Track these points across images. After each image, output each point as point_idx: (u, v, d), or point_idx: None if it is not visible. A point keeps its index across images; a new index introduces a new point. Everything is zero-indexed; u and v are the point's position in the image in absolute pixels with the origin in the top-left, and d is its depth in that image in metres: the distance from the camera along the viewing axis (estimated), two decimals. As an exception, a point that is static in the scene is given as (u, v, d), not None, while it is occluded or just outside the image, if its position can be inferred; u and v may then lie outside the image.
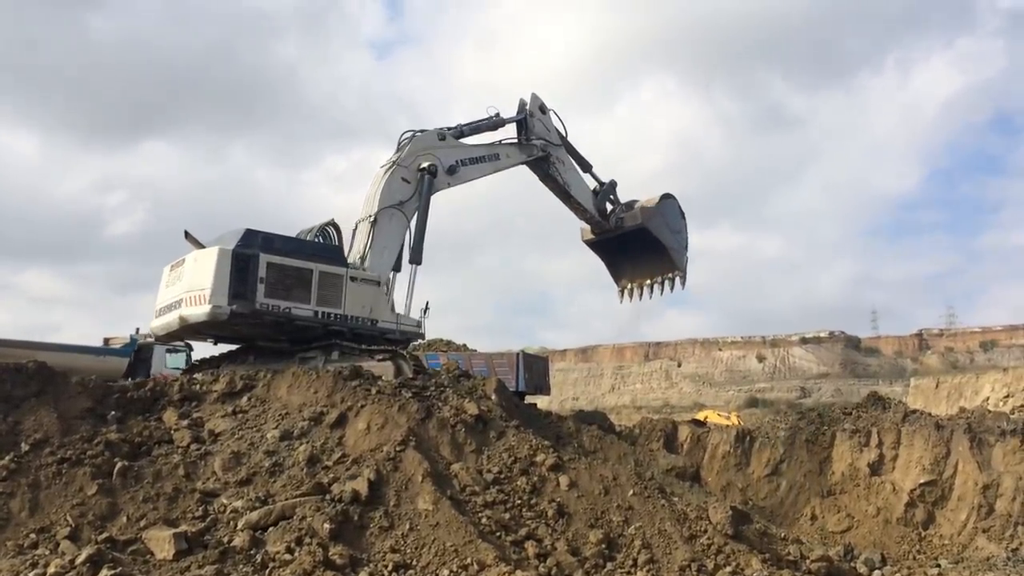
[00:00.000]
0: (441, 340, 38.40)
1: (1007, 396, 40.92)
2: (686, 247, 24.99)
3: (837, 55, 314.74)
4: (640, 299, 25.87)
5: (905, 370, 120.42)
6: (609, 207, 24.50)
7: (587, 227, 24.78)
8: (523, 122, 22.85)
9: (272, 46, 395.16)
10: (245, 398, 15.39)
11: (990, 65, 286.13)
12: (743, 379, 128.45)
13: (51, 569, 9.81)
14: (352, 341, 17.86)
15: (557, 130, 23.54)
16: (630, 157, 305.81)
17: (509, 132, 22.77)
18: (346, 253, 19.17)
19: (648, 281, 25.16)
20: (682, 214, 25.25)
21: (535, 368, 33.25)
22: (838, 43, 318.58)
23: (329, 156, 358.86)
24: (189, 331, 17.67)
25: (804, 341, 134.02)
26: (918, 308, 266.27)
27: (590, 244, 25.32)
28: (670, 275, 24.62)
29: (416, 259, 19.46)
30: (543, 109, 23.31)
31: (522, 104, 23.01)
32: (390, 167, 19.67)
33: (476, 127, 21.83)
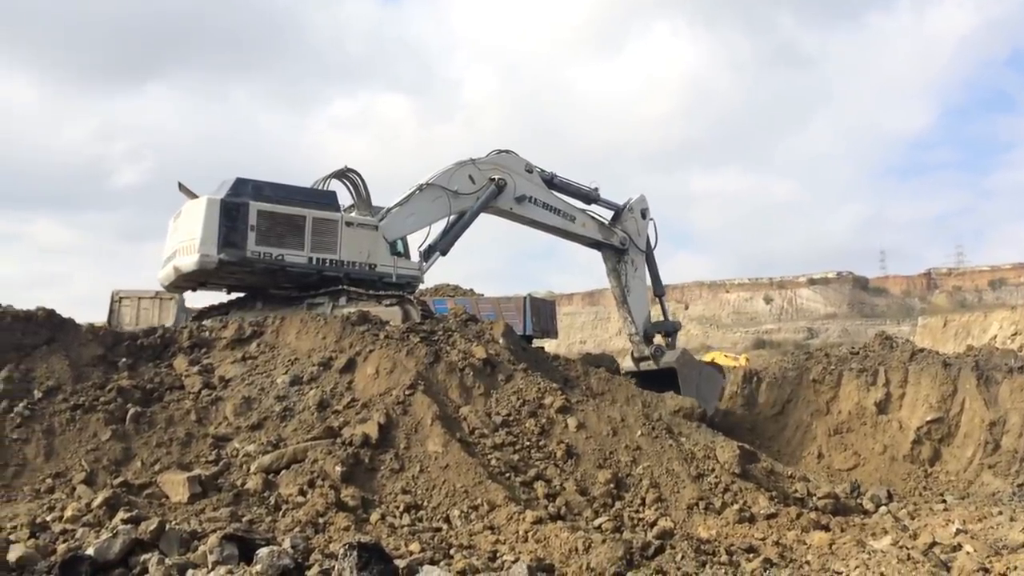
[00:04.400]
0: (448, 285, 38.27)
1: (1015, 334, 40.94)
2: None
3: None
4: None
5: (913, 310, 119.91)
6: (657, 340, 23.75)
7: (630, 361, 23.84)
8: (619, 213, 23.00)
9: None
10: (254, 344, 15.47)
11: (1007, 0, 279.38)
12: (750, 321, 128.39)
13: (68, 512, 9.95)
14: (350, 286, 17.92)
15: (648, 238, 23.56)
16: (641, 100, 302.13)
17: (598, 211, 22.84)
18: (370, 200, 19.20)
19: None
20: (721, 392, 24.45)
21: (542, 312, 33.19)
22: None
23: (336, 100, 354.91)
24: (185, 280, 17.77)
25: (812, 282, 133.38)
26: (927, 248, 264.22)
27: (626, 372, 24.50)
28: None
29: (445, 249, 19.73)
30: (644, 214, 23.41)
31: (629, 201, 23.23)
32: (465, 161, 20.06)
33: (567, 185, 22.06)
